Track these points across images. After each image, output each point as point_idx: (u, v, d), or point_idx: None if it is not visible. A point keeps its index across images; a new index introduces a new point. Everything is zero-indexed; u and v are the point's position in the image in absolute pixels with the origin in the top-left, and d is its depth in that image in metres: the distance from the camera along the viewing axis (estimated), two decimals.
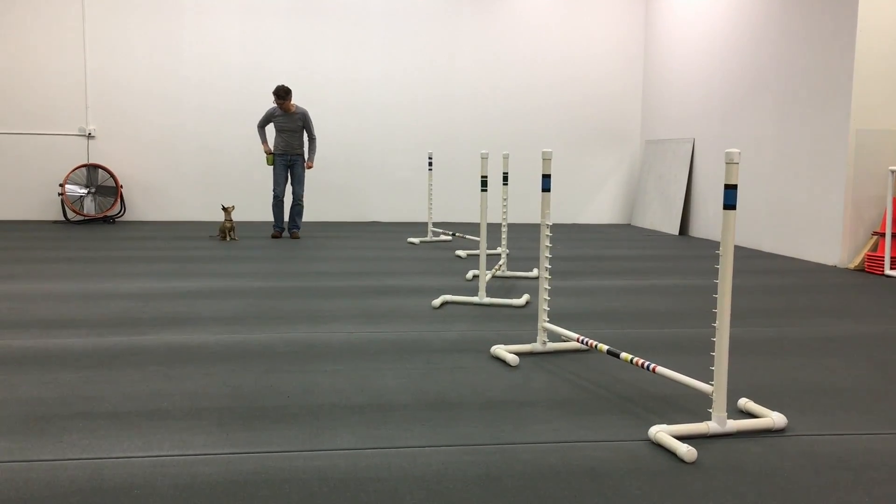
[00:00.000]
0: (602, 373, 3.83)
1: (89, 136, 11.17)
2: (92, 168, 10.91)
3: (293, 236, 9.39)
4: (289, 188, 11.04)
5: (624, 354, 3.44)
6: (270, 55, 11.50)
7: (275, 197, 9.39)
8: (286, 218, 11.18)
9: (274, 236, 9.38)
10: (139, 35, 11.18)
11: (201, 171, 11.50)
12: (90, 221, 10.88)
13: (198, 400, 3.29)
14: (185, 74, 11.33)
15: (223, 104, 11.46)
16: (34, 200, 11.09)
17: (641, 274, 7.08)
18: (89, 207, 10.93)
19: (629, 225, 12.39)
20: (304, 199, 10.17)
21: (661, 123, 11.86)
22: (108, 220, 11.01)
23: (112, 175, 10.96)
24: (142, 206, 11.43)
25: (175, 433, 2.90)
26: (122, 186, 11.12)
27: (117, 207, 11.16)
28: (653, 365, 3.25)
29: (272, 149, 9.46)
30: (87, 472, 2.54)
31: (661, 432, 2.88)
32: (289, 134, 9.25)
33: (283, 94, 9.00)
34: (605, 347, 3.60)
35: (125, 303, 5.31)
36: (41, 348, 4.08)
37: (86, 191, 10.90)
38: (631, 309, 5.46)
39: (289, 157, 9.34)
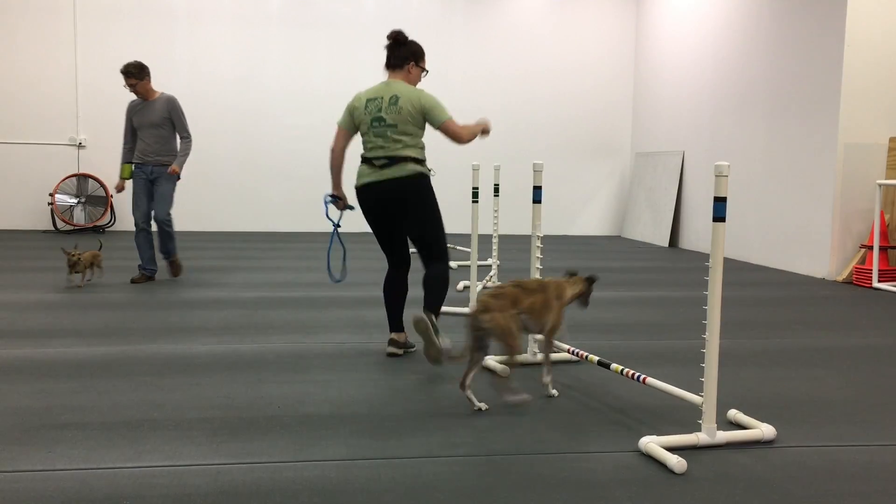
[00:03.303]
0: (592, 384, 3.84)
1: (80, 146, 11.14)
2: (82, 178, 10.88)
3: (172, 266, 6.79)
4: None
5: (614, 365, 3.45)
6: (262, 64, 11.51)
7: (136, 225, 6.58)
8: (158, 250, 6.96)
9: (135, 280, 6.58)
10: (130, 45, 11.17)
11: (191, 180, 11.47)
12: (80, 231, 10.84)
13: (188, 411, 3.28)
14: (176, 84, 11.32)
15: (214, 114, 11.45)
16: (24, 210, 11.04)
17: (632, 286, 7.11)
18: (79, 217, 10.89)
19: (619, 237, 12.43)
20: (172, 218, 6.66)
21: (651, 136, 11.93)
22: (97, 230, 10.97)
23: (102, 185, 10.93)
24: (131, 215, 11.38)
25: (165, 444, 2.89)
26: (112, 196, 11.09)
27: (107, 217, 11.12)
28: (643, 376, 3.26)
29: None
30: (76, 483, 2.53)
31: (652, 443, 2.88)
32: (149, 132, 6.50)
33: (134, 70, 6.38)
34: (595, 358, 3.61)
35: (115, 313, 5.29)
36: (30, 358, 4.06)
37: (76, 200, 10.86)
38: (621, 320, 5.47)
39: (150, 169, 6.54)
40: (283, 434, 3.02)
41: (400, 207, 4.11)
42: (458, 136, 4.19)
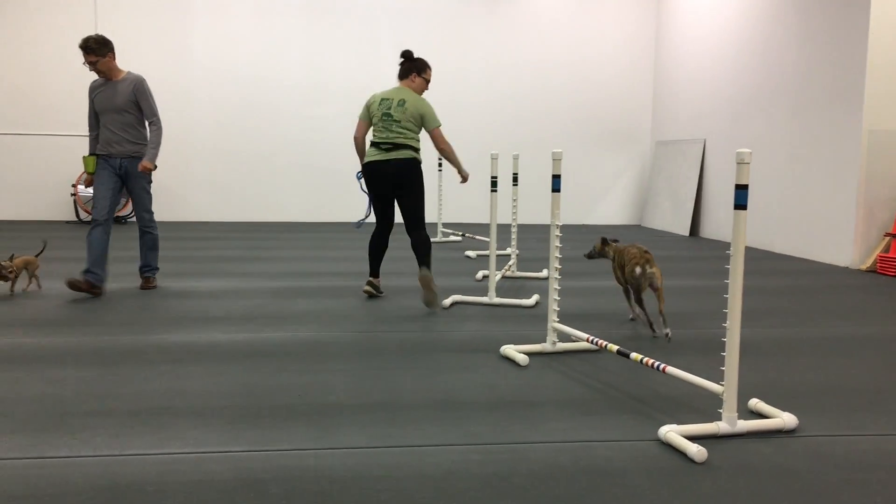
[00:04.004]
0: (612, 373, 3.83)
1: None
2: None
3: (146, 285, 5.86)
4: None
5: (634, 354, 3.44)
6: (280, 56, 11.54)
7: (92, 221, 5.57)
8: (125, 259, 6.68)
9: (74, 284, 5.38)
10: (150, 36, 11.24)
11: (211, 171, 11.55)
12: None
13: (209, 399, 3.31)
14: (196, 75, 11.38)
15: (233, 105, 11.50)
16: (47, 201, 11.16)
17: None
18: None
19: (639, 226, 12.36)
20: (155, 220, 5.90)
21: (671, 124, 11.83)
22: (119, 221, 11.06)
23: None
24: (155, 206, 11.46)
25: (187, 431, 2.92)
26: None
27: (129, 208, 11.21)
28: (663, 365, 3.25)
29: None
30: (100, 470, 2.56)
31: (672, 432, 2.88)
32: (112, 118, 5.59)
33: (94, 45, 5.46)
34: (615, 347, 3.60)
35: (136, 302, 5.34)
36: (54, 346, 4.11)
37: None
38: None
39: (118, 163, 5.65)
40: (304, 422, 3.04)
41: (396, 182, 5.36)
42: (440, 142, 5.41)
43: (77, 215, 10.98)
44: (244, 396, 3.35)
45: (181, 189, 11.49)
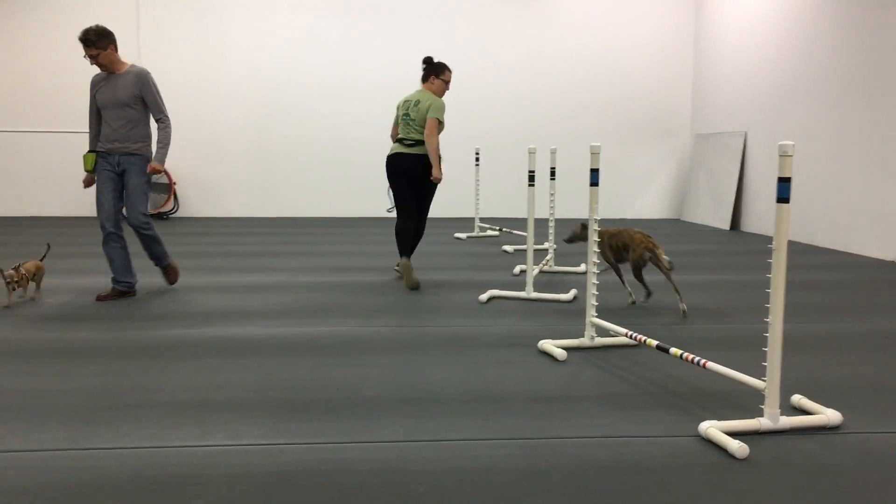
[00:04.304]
0: (651, 368, 3.80)
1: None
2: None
3: (167, 272, 5.74)
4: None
5: (673, 350, 3.40)
6: (315, 52, 11.60)
7: (101, 229, 5.37)
8: (150, 259, 5.75)
9: (102, 297, 5.31)
10: (189, 34, 11.39)
11: (251, 167, 11.67)
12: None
13: (249, 392, 3.35)
14: (231, 74, 11.50)
15: (267, 103, 11.60)
16: (90, 198, 11.38)
17: (691, 269, 6.99)
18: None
19: (678, 220, 12.22)
20: (151, 219, 5.50)
21: (711, 116, 11.66)
22: (162, 217, 11.24)
23: (166, 173, 11.18)
24: (194, 202, 11.65)
25: (228, 424, 2.96)
26: (175, 184, 11.34)
27: (171, 204, 11.39)
28: (703, 360, 3.21)
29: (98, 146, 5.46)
30: (144, 461, 2.61)
31: (712, 428, 2.84)
32: (114, 113, 5.27)
33: (94, 37, 5.13)
34: (654, 343, 3.57)
35: (178, 296, 5.42)
36: (97, 340, 4.19)
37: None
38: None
39: (116, 160, 5.32)
40: (342, 415, 3.07)
41: (411, 174, 5.92)
42: (429, 131, 5.82)
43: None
44: (283, 390, 3.39)
45: (217, 186, 11.64)
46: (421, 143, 5.89)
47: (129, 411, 3.09)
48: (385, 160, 6.10)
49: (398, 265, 6.02)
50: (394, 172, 5.98)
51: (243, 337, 4.32)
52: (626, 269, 5.78)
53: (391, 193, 6.05)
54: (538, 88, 12.00)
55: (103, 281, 5.97)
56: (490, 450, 2.74)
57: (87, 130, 5.33)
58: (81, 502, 2.31)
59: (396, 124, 6.13)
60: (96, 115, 5.38)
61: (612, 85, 12.15)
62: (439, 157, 5.87)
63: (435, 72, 6.07)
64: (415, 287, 5.79)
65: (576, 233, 5.69)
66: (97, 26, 5.14)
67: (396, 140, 6.04)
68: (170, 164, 11.39)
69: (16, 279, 4.96)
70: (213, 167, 11.60)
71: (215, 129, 11.54)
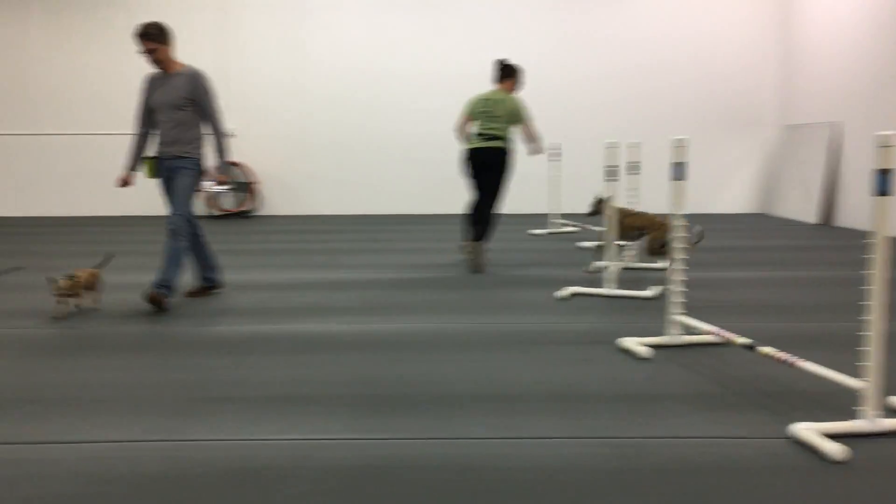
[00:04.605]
0: (739, 367, 3.69)
1: (230, 136, 11.74)
2: (230, 165, 11.47)
3: (154, 297, 4.83)
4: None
5: (762, 348, 3.29)
6: (390, 48, 11.70)
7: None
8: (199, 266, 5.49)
9: (192, 294, 5.39)
10: (272, 33, 11.64)
11: (331, 165, 11.86)
12: (228, 216, 11.45)
13: (333, 387, 3.41)
14: (312, 72, 11.71)
15: (351, 100, 11.77)
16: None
17: (779, 265, 6.76)
18: (227, 203, 11.50)
19: (764, 214, 11.84)
20: (188, 230, 5.06)
21: (801, 107, 11.25)
22: (244, 215, 11.55)
23: (248, 171, 11.48)
24: (275, 200, 11.92)
25: (313, 418, 3.01)
26: (257, 182, 11.63)
27: (252, 202, 11.68)
28: (794, 360, 3.10)
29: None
30: (235, 453, 2.68)
31: (805, 429, 2.74)
32: (167, 115, 5.06)
33: (154, 31, 4.94)
34: (741, 341, 3.46)
35: (262, 293, 5.55)
36: (189, 335, 4.33)
37: (224, 187, 11.46)
38: (768, 301, 5.22)
39: (167, 164, 5.13)
40: (424, 412, 3.08)
41: (487, 165, 6.52)
42: (527, 134, 6.68)
43: (205, 210, 11.52)
44: (365, 385, 3.43)
45: (299, 184, 11.86)
46: (498, 137, 6.47)
47: (217, 404, 3.17)
48: (464, 152, 6.62)
49: (463, 246, 6.66)
50: (473, 162, 6.57)
51: (325, 332, 4.39)
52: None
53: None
54: (617, 80, 11.81)
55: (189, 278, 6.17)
56: (574, 448, 2.71)
57: (136, 130, 5.22)
58: (175, 492, 2.39)
59: (466, 117, 6.66)
60: (146, 115, 5.16)
61: (693, 74, 11.85)
62: (529, 135, 6.65)
63: (508, 73, 6.70)
64: (478, 270, 6.36)
65: (594, 207, 6.42)
66: (156, 22, 4.99)
67: (476, 134, 6.59)
68: (253, 162, 11.67)
69: (67, 292, 4.62)
70: (295, 165, 11.84)
71: (298, 127, 11.78)
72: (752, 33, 11.80)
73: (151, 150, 5.23)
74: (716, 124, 11.95)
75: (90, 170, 11.73)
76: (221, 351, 4.00)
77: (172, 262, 4.93)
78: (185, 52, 11.50)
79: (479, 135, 6.53)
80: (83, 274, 4.81)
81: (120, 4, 11.53)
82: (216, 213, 11.53)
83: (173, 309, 5.01)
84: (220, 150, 5.15)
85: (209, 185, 11.26)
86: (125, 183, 5.23)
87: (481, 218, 6.51)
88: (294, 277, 6.19)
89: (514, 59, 11.28)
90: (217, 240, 8.68)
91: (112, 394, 3.31)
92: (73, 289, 4.67)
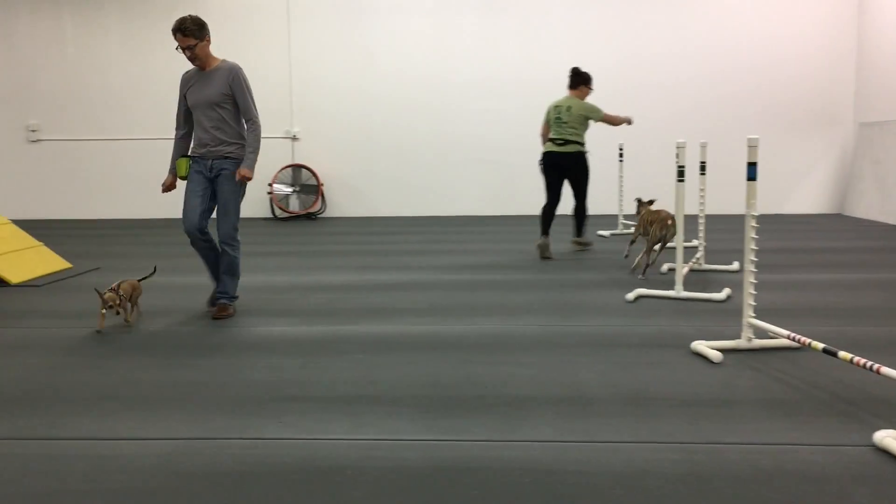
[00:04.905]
0: (816, 372, 3.57)
1: (294, 139, 11.93)
2: (296, 168, 11.66)
3: (219, 313, 4.86)
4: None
5: (842, 353, 3.18)
6: (454, 51, 11.71)
7: (189, 235, 4.89)
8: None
9: (217, 316, 4.87)
10: (336, 38, 11.79)
11: (394, 167, 11.95)
12: (295, 218, 11.63)
13: (400, 388, 3.42)
14: (378, 74, 11.81)
15: (413, 102, 11.83)
16: (247, 199, 11.93)
17: (857, 267, 6.53)
18: (294, 205, 11.69)
19: (839, 214, 11.46)
20: (240, 238, 5.00)
21: (879, 102, 10.85)
22: (310, 217, 11.72)
23: (314, 174, 11.65)
24: (340, 202, 12.06)
25: (381, 418, 3.03)
26: (322, 184, 11.79)
27: (319, 205, 11.85)
28: (877, 365, 2.98)
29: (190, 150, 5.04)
30: (305, 452, 2.71)
31: (890, 438, 2.63)
32: (205, 114, 4.85)
33: (193, 26, 4.71)
34: (820, 345, 3.35)
35: (329, 294, 5.62)
36: (261, 336, 4.41)
37: (291, 189, 11.66)
38: (847, 305, 5.04)
39: (209, 164, 4.89)
40: (491, 413, 3.07)
41: (565, 168, 7.27)
42: (610, 121, 7.36)
43: (273, 212, 11.74)
44: (433, 386, 3.43)
45: (364, 186, 11.97)
46: (571, 142, 7.18)
47: (289, 404, 3.22)
48: (542, 158, 7.34)
49: (538, 242, 7.21)
50: (548, 166, 7.28)
51: (392, 333, 4.41)
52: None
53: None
54: (684, 79, 11.58)
55: (264, 279, 6.28)
56: (645, 453, 2.66)
57: (176, 131, 5.01)
58: (248, 489, 2.43)
59: (546, 125, 7.38)
60: (185, 115, 4.97)
61: (764, 72, 11.54)
62: (612, 120, 7.35)
63: (579, 81, 7.37)
64: (547, 257, 7.12)
65: (637, 208, 6.84)
66: (194, 16, 4.74)
67: (549, 139, 7.30)
68: (318, 164, 11.84)
69: (116, 302, 4.54)
70: (359, 167, 11.96)
71: (361, 129, 11.89)
72: (826, 30, 11.43)
73: (181, 148, 5.02)
74: (789, 123, 11.62)
75: (160, 174, 12.08)
76: (290, 351, 4.06)
77: (227, 274, 4.92)
78: (251, 56, 11.75)
79: (552, 140, 7.24)
80: (125, 286, 4.72)
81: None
82: (284, 215, 11.73)
83: (242, 309, 5.11)
84: (253, 148, 4.85)
85: (278, 188, 11.48)
86: (170, 187, 4.99)
87: (578, 212, 7.56)
88: (360, 279, 6.25)
89: (584, 66, 11.19)
90: (284, 241, 8.83)
91: (183, 392, 3.40)
92: (116, 300, 4.56)
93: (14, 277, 6.15)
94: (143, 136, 12.08)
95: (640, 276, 6.11)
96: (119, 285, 4.67)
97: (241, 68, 4.88)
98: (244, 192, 4.97)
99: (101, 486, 2.47)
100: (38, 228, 9.22)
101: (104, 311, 4.58)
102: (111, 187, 12.19)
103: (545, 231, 7.21)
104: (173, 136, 5.07)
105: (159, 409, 3.18)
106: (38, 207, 12.12)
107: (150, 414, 3.12)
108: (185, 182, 4.92)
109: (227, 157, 4.86)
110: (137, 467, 2.60)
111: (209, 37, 4.80)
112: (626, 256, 6.87)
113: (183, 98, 4.92)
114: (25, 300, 5.52)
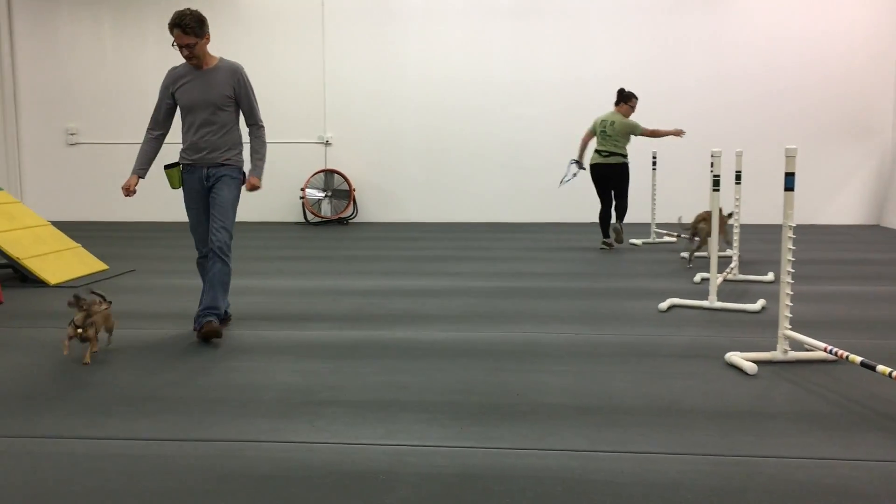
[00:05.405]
0: (854, 386, 3.52)
1: (327, 144, 12.02)
2: (329, 173, 11.74)
3: (204, 330, 4.30)
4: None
5: (881, 367, 3.14)
6: (488, 56, 11.72)
7: (198, 250, 4.68)
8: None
9: (203, 334, 4.35)
10: (369, 43, 11.85)
11: (426, 173, 11.98)
12: (327, 223, 11.71)
13: (432, 394, 3.43)
14: (410, 79, 11.85)
15: (445, 108, 11.85)
16: (279, 204, 12.11)
17: (894, 280, 6.42)
18: (326, 210, 11.78)
19: (877, 226, 11.27)
20: (233, 248, 4.61)
21: None
22: (342, 222, 11.79)
23: (346, 179, 11.73)
24: (372, 207, 12.12)
25: (413, 424, 3.04)
26: (354, 190, 11.86)
27: (350, 209, 11.92)
28: None
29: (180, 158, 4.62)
30: (337, 456, 2.73)
31: None
32: (205, 117, 4.45)
33: (193, 22, 4.27)
34: (857, 359, 3.31)
35: (361, 299, 5.65)
36: (292, 340, 4.45)
37: (323, 194, 11.75)
38: (884, 318, 4.96)
39: (203, 172, 4.50)
40: (523, 422, 3.07)
41: (610, 177, 8.24)
42: (653, 135, 8.33)
43: (305, 217, 11.83)
44: (464, 393, 3.44)
45: (395, 191, 12.02)
46: (615, 154, 8.11)
47: (321, 408, 3.25)
48: (590, 169, 8.30)
49: (603, 243, 8.35)
50: (597, 177, 8.26)
51: (423, 340, 4.43)
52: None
53: (570, 170, 8.56)
54: (722, 87, 11.47)
55: (295, 283, 6.33)
56: (678, 464, 2.64)
57: (148, 132, 4.62)
58: (282, 492, 2.46)
59: (590, 134, 8.37)
60: (165, 116, 4.57)
61: (803, 80, 11.39)
62: (654, 134, 8.29)
63: (624, 99, 8.25)
64: (620, 241, 8.36)
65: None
66: (193, 10, 4.30)
67: (595, 151, 8.27)
68: (350, 169, 11.91)
69: (81, 330, 3.90)
70: (391, 173, 12.01)
71: (393, 135, 11.95)
72: (867, 40, 11.26)
73: (175, 156, 4.64)
74: (826, 131, 11.46)
75: None
76: (321, 355, 4.09)
77: (219, 286, 4.41)
78: (285, 61, 11.87)
79: (597, 151, 8.21)
80: (99, 318, 4.04)
81: (228, 14, 11.98)
82: (316, 219, 11.82)
83: (276, 313, 5.15)
84: (261, 155, 4.54)
85: (310, 192, 11.57)
86: (130, 190, 4.54)
87: (619, 207, 8.34)
88: (391, 284, 6.27)
89: (617, 72, 11.16)
90: (315, 245, 8.90)
91: (219, 395, 3.44)
92: (87, 327, 3.93)
93: (53, 278, 6.27)
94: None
95: (688, 265, 7.14)
96: (91, 308, 3.95)
97: (243, 68, 4.51)
98: (238, 196, 4.54)
99: (140, 485, 2.51)
100: (75, 230, 9.38)
101: (68, 340, 3.96)
102: (147, 190, 12.35)
103: (606, 234, 8.32)
104: (147, 136, 4.60)
105: (195, 410, 3.22)
106: (75, 209, 12.32)
107: (185, 415, 3.16)
108: (184, 194, 4.56)
109: (224, 164, 4.48)
110: (172, 468, 2.64)
111: (209, 34, 4.39)
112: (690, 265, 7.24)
113: (170, 96, 4.48)
114: (63, 301, 5.62)
